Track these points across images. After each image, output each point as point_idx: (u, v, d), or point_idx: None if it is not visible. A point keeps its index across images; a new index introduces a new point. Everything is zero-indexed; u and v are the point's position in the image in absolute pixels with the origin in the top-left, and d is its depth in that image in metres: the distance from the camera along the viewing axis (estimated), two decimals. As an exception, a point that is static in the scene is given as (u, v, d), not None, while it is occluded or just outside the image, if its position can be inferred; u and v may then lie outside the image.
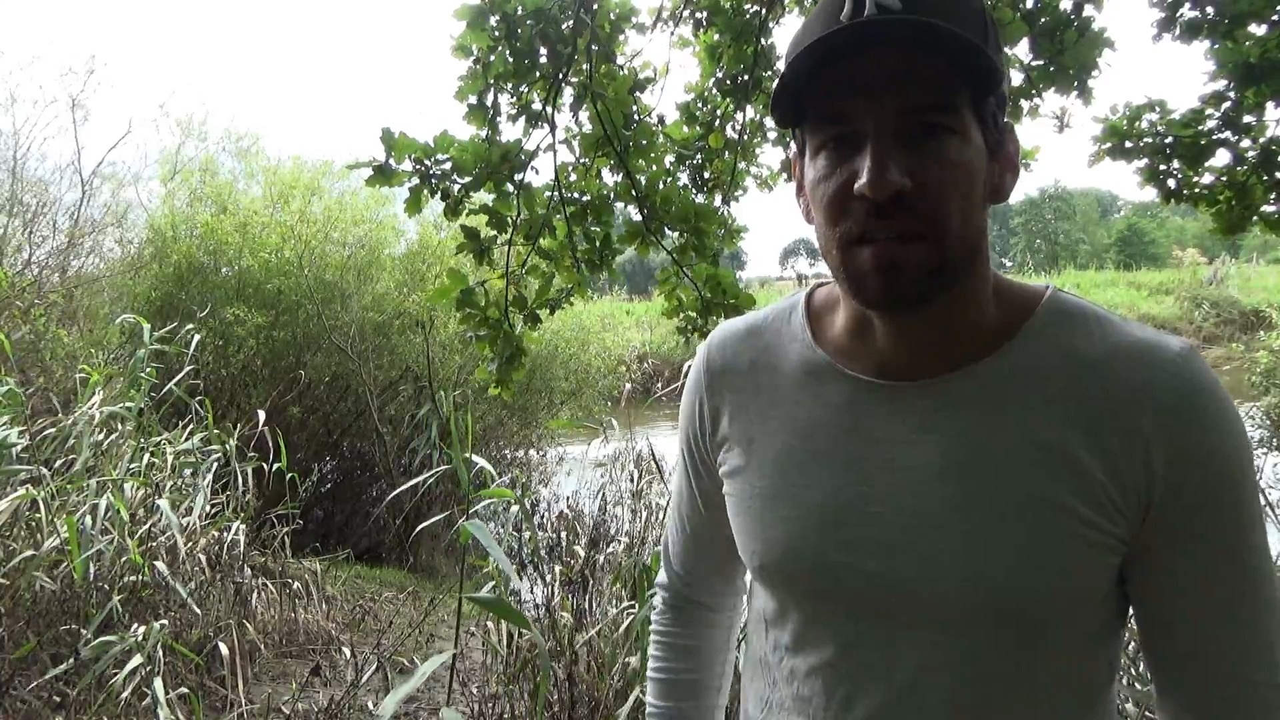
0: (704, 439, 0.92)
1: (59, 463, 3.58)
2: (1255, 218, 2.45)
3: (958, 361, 0.76)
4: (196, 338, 4.92)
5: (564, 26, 2.71)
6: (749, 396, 0.87)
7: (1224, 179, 2.47)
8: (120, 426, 3.98)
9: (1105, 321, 0.75)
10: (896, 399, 0.77)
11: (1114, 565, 0.73)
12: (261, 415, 4.44)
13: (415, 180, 2.62)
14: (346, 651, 3.76)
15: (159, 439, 4.05)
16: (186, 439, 4.15)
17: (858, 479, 0.78)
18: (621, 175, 2.85)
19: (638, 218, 2.87)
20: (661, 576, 1.07)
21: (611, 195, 2.90)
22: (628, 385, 8.19)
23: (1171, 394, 0.70)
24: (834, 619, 0.80)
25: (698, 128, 3.37)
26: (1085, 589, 0.73)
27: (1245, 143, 2.41)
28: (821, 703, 0.81)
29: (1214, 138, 2.43)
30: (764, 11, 3.18)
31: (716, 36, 3.24)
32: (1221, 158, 2.47)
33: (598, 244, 2.91)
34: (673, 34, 3.23)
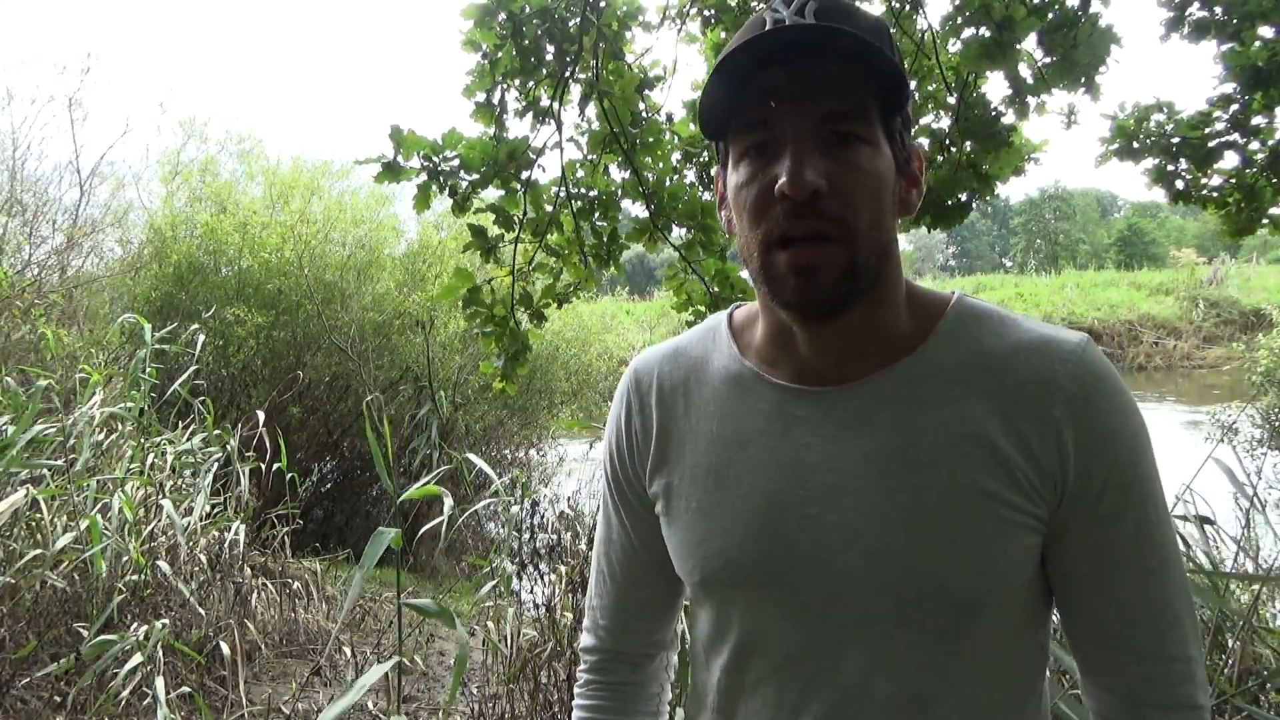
0: (633, 461, 0.91)
1: (59, 462, 3.56)
2: (1265, 220, 2.45)
3: (876, 364, 0.79)
4: (201, 338, 4.90)
5: (570, 25, 2.71)
6: (678, 414, 0.87)
7: (1232, 181, 2.46)
8: (120, 427, 3.97)
9: (1009, 321, 0.79)
10: (824, 402, 0.80)
11: (1037, 546, 0.76)
12: (261, 415, 4.42)
13: (423, 177, 2.62)
14: (347, 651, 3.75)
15: (159, 439, 4.04)
16: (187, 439, 4.14)
17: (794, 483, 0.79)
18: (629, 172, 2.85)
19: (644, 214, 2.87)
20: (586, 639, 1.00)
21: (618, 192, 2.90)
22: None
23: (1075, 382, 0.74)
24: (778, 624, 0.80)
25: (704, 125, 3.36)
26: (1016, 573, 0.76)
27: (1254, 145, 2.41)
28: (771, 713, 0.81)
29: (1222, 140, 2.43)
30: (769, 10, 3.17)
31: (723, 34, 3.23)
32: (1230, 160, 2.47)
33: (605, 239, 2.90)
34: (679, 31, 3.22)
